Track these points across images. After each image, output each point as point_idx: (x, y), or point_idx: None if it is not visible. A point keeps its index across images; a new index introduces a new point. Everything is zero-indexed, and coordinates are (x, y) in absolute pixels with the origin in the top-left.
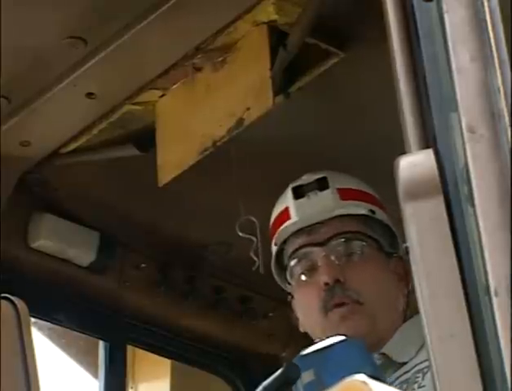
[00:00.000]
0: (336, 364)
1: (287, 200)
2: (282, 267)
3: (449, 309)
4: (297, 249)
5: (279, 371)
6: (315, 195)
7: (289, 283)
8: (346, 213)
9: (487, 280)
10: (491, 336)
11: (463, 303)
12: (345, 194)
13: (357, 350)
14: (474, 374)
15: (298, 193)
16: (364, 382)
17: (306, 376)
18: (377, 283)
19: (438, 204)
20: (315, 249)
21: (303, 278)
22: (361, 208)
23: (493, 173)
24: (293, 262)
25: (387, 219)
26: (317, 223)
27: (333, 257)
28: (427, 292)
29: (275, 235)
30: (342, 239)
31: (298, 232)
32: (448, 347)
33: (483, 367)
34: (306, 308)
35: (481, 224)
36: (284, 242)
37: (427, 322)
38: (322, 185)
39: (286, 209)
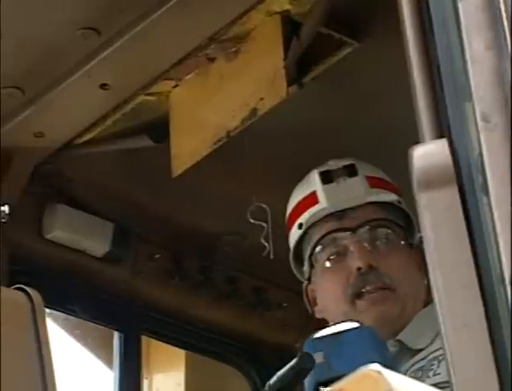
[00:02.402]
0: (346, 350)
1: (314, 185)
2: (300, 253)
3: (464, 299)
4: (325, 235)
5: (293, 361)
6: (344, 181)
7: (309, 267)
8: (377, 200)
9: (501, 270)
10: (505, 326)
11: (478, 293)
12: (374, 182)
13: (369, 338)
14: (488, 363)
15: (327, 178)
16: (379, 371)
17: (316, 358)
18: (406, 270)
19: (452, 194)
20: (346, 235)
21: (328, 264)
22: (391, 197)
23: (508, 162)
24: (318, 248)
25: (410, 210)
26: (348, 209)
27: (365, 243)
28: (441, 282)
29: (300, 219)
30: (375, 225)
31: (327, 217)
32: (462, 337)
33: (497, 357)
34: (330, 295)
35: (495, 213)
36: (309, 227)
37: (442, 311)
38: (351, 171)
39: (313, 194)
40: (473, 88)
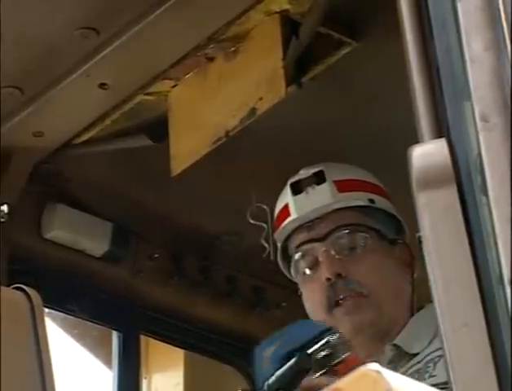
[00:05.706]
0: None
1: (286, 197)
2: (289, 261)
3: (463, 299)
4: (298, 245)
5: (291, 361)
6: (312, 189)
7: (295, 273)
8: (343, 205)
9: (500, 270)
10: (504, 326)
11: (477, 293)
12: (342, 186)
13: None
14: (487, 363)
15: (296, 189)
16: (378, 371)
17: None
18: (380, 273)
19: (451, 194)
20: (316, 245)
21: (307, 272)
22: (359, 199)
23: (507, 162)
24: (297, 257)
25: (389, 206)
26: (316, 218)
27: (333, 252)
28: (441, 282)
29: (277, 233)
30: (344, 232)
31: (298, 229)
32: (461, 337)
33: (496, 357)
34: (311, 304)
35: (494, 213)
36: (287, 239)
37: (441, 311)
38: (319, 179)
39: (286, 206)
40: (472, 88)
